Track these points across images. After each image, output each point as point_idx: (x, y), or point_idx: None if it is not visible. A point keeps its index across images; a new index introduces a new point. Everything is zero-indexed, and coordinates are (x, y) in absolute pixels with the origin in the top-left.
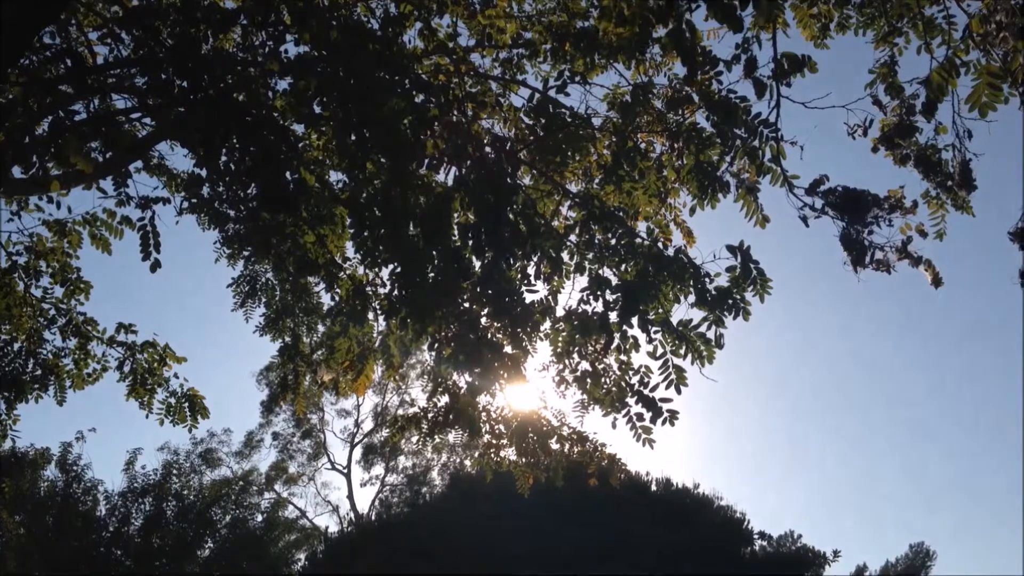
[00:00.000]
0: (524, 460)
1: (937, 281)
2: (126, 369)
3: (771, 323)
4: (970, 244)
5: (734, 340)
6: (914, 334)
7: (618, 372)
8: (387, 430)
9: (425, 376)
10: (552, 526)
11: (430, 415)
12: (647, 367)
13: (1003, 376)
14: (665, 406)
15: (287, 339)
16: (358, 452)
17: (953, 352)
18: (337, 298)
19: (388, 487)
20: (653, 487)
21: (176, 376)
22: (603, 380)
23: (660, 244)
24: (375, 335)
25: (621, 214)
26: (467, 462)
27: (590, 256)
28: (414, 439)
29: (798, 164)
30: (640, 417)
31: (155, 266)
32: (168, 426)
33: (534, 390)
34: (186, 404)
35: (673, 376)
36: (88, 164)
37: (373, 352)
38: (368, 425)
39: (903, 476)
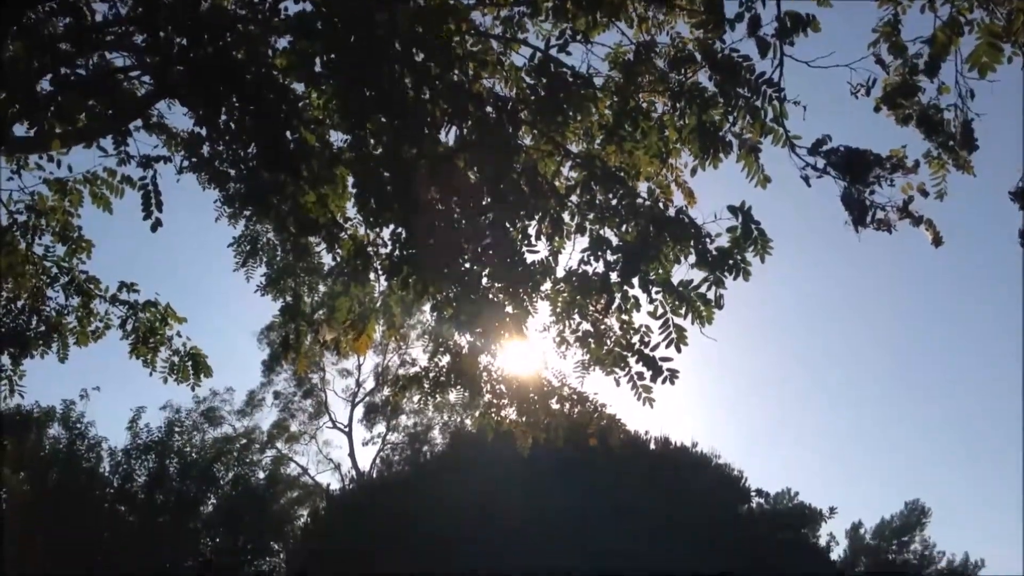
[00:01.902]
0: (524, 420)
1: (938, 240)
2: (128, 328)
3: (772, 283)
4: (972, 204)
5: (734, 299)
6: (914, 293)
7: (619, 332)
8: (388, 389)
9: (426, 336)
10: (552, 485)
11: (431, 375)
12: (647, 327)
13: (1002, 335)
14: (665, 365)
15: (288, 299)
16: (360, 411)
17: (953, 311)
18: (338, 258)
19: (390, 445)
20: (652, 446)
21: (179, 335)
22: (604, 340)
23: (661, 205)
24: (376, 295)
25: (622, 174)
26: (468, 421)
27: (591, 217)
28: (415, 398)
29: (800, 124)
30: (640, 376)
31: (156, 225)
32: (171, 385)
33: (535, 350)
34: (189, 363)
35: (673, 335)
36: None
37: (374, 312)
38: (370, 384)
39: (900, 434)
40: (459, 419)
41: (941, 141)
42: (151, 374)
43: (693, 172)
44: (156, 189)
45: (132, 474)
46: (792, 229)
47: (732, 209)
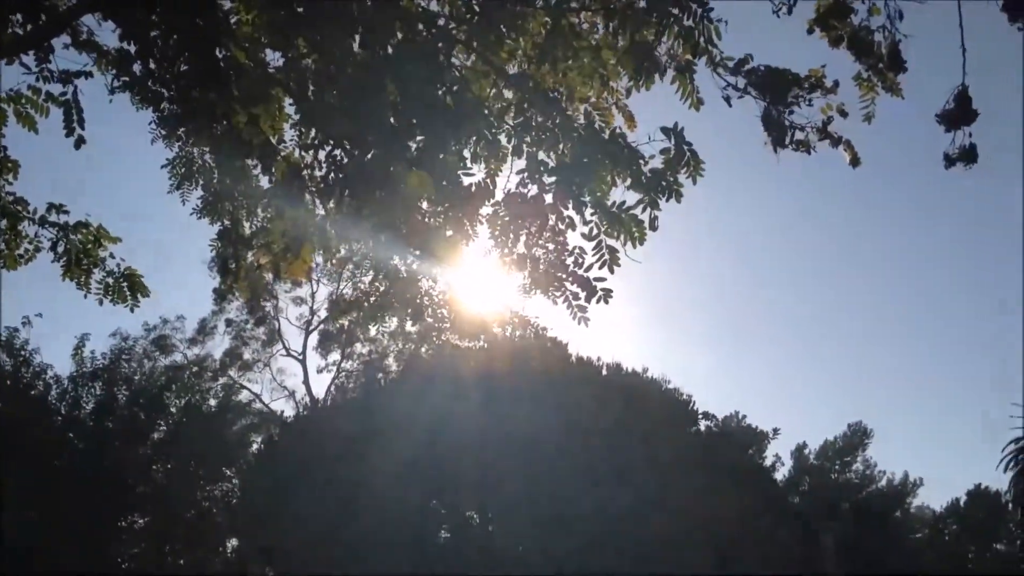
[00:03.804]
0: (467, 342)
1: (855, 161)
2: (60, 250)
3: (715, 206)
4: (900, 127)
5: (687, 226)
6: (848, 216)
7: (554, 254)
8: (329, 314)
9: (367, 261)
10: (505, 408)
11: (372, 299)
12: (581, 248)
13: (936, 257)
14: (599, 285)
15: (226, 223)
16: (314, 339)
17: (885, 232)
18: (273, 181)
19: (344, 373)
20: (604, 371)
21: (112, 256)
22: (540, 262)
23: (597, 127)
24: (311, 219)
25: (557, 96)
26: (423, 348)
27: (528, 139)
28: (372, 327)
29: (734, 46)
30: (576, 296)
31: (79, 142)
32: (122, 313)
33: (476, 275)
34: (125, 283)
35: (607, 256)
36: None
37: (311, 236)
38: (324, 312)
39: (841, 358)
40: (413, 346)
41: (871, 64)
42: (85, 296)
43: (628, 93)
44: (78, 105)
45: (80, 401)
46: (728, 152)
47: (665, 131)
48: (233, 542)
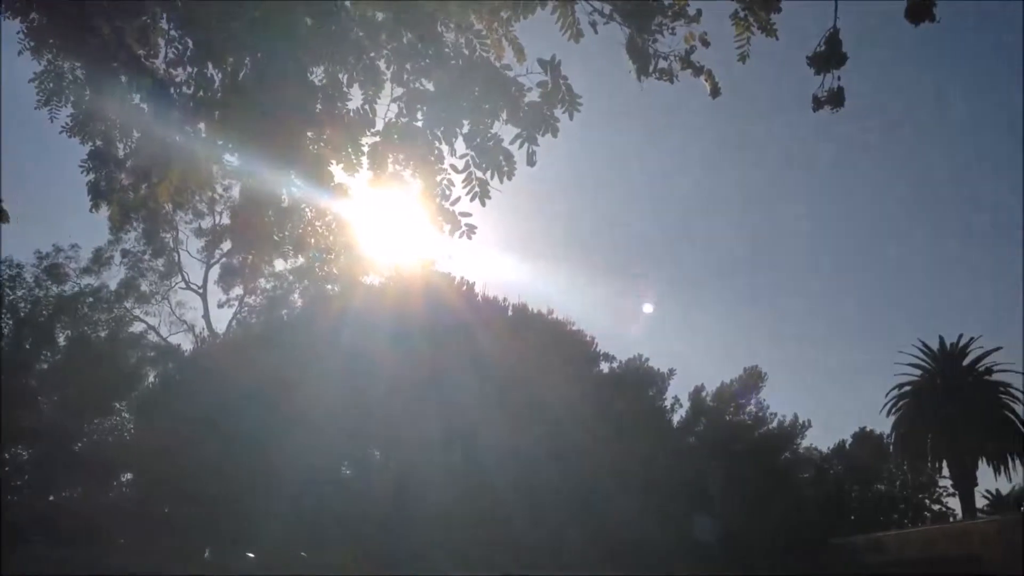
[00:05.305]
0: (370, 280)
1: (715, 91)
2: None
3: (614, 145)
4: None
5: (588, 166)
6: (730, 159)
7: (425, 185)
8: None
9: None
10: (411, 343)
11: (249, 228)
12: (450, 180)
13: (818, 198)
14: (464, 220)
15: (98, 143)
16: (216, 273)
17: (768, 174)
18: (139, 98)
19: (247, 308)
20: (510, 312)
21: None
22: (408, 193)
23: (478, 57)
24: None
25: (440, 25)
26: (329, 285)
27: (409, 67)
28: (278, 262)
29: None
30: (442, 228)
31: None
32: (12, 242)
33: (362, 204)
34: None
35: (476, 189)
36: None
37: (179, 158)
38: (228, 245)
39: (737, 305)
40: (318, 283)
41: (747, 3)
42: None
43: (508, 22)
44: None
45: None
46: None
47: (543, 63)
48: (128, 476)
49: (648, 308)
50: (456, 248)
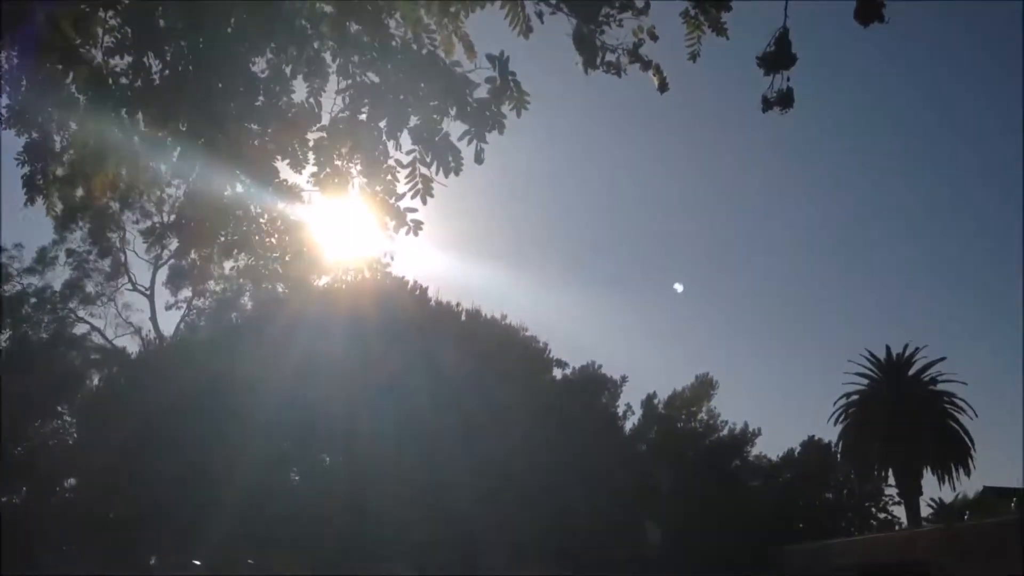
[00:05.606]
0: (322, 282)
1: (663, 85)
2: None
3: (571, 146)
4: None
5: (543, 167)
6: (688, 156)
7: (370, 181)
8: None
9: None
10: (364, 348)
11: (192, 227)
12: (394, 176)
13: (774, 198)
14: (410, 216)
15: (34, 135)
16: (164, 274)
17: (719, 174)
18: (75, 89)
19: (196, 311)
20: (463, 317)
21: None
22: (350, 188)
23: (426, 52)
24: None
25: (383, 17)
26: (279, 287)
27: (356, 60)
28: (227, 264)
29: None
30: (387, 226)
31: None
32: None
33: (309, 205)
34: None
35: (420, 186)
36: None
37: (115, 152)
38: (175, 246)
39: (690, 311)
40: (269, 285)
41: (697, 1)
42: None
43: (457, 16)
44: None
45: None
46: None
47: (491, 58)
48: (71, 481)
49: (601, 313)
50: (405, 247)
